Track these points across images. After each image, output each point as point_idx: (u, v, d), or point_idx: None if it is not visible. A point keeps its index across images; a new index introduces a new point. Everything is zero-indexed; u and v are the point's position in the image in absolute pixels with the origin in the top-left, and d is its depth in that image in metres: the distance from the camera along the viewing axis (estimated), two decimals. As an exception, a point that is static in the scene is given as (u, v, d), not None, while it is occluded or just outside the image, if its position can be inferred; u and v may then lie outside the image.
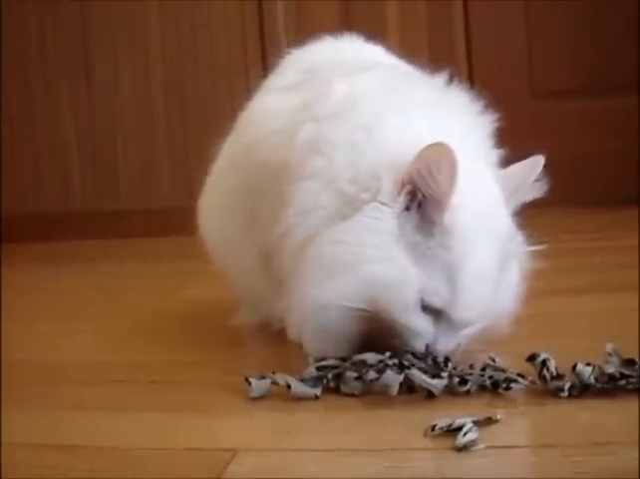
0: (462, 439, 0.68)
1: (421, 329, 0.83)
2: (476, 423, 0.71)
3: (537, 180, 0.90)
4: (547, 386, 0.78)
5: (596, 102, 2.22)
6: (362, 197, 0.84)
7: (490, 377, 0.80)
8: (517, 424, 0.75)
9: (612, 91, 2.20)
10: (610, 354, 0.80)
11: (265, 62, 2.35)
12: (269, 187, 0.92)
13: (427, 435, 0.71)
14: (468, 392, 0.80)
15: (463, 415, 0.72)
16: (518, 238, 0.90)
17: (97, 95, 2.54)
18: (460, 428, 0.70)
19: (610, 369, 0.77)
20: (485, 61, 2.31)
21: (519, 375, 0.80)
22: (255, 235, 0.97)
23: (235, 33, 2.41)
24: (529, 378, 0.79)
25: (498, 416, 0.73)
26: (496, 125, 0.96)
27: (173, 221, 1.81)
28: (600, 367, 0.78)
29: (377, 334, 0.85)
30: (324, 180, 0.86)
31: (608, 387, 0.77)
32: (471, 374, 0.81)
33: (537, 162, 0.90)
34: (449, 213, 0.81)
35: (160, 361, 1.05)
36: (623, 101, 2.16)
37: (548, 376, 0.79)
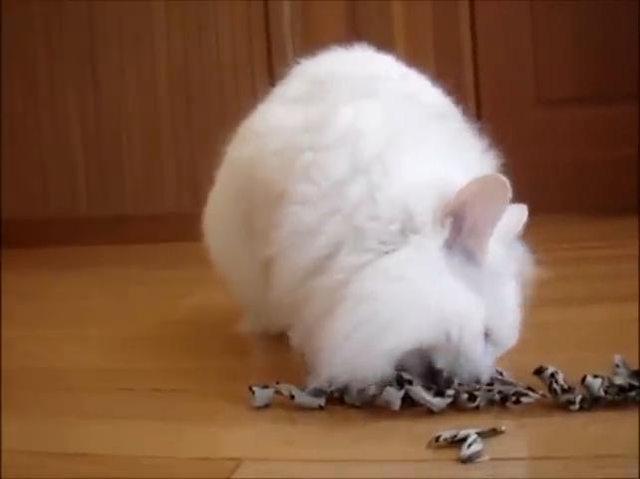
0: (466, 451, 0.68)
1: (484, 361, 0.82)
2: (480, 435, 0.70)
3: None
4: (558, 400, 0.78)
5: (602, 110, 2.22)
6: (390, 229, 0.81)
7: (500, 392, 0.80)
8: (522, 436, 0.75)
9: (617, 99, 2.20)
10: (618, 366, 0.79)
11: (271, 64, 2.35)
12: (266, 204, 0.91)
13: (431, 446, 0.71)
14: (476, 408, 0.79)
15: (467, 427, 0.72)
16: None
17: (102, 99, 2.54)
18: (464, 439, 0.70)
19: (619, 381, 0.77)
20: (492, 69, 2.31)
21: (529, 389, 0.79)
22: (254, 246, 0.96)
23: (241, 35, 2.41)
24: (540, 392, 0.79)
25: (503, 427, 0.73)
26: (499, 162, 0.94)
27: (178, 226, 1.81)
28: (609, 379, 0.77)
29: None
30: (320, 207, 0.85)
31: (619, 399, 0.76)
32: (478, 389, 0.80)
33: (522, 211, 0.90)
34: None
35: (163, 369, 1.05)
36: (629, 109, 2.16)
37: (559, 389, 0.78)
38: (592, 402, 0.76)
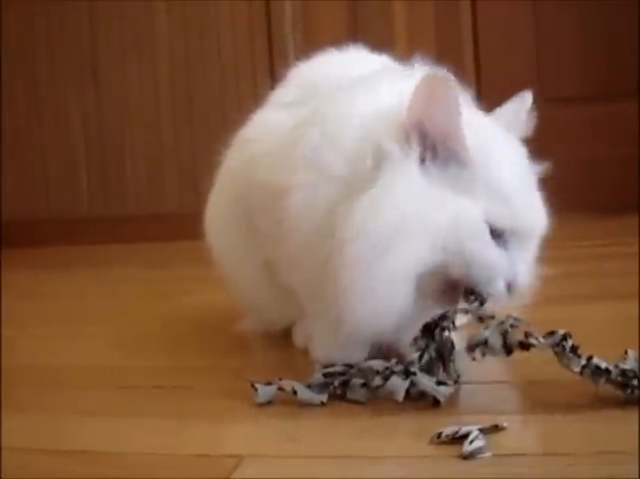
0: (468, 447, 0.68)
1: (498, 263, 0.82)
2: (482, 431, 0.70)
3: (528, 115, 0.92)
4: (563, 358, 0.78)
5: (606, 108, 2.22)
6: (367, 165, 0.82)
7: (511, 328, 0.79)
8: (524, 432, 0.75)
9: (622, 97, 2.20)
10: (628, 356, 0.79)
11: (272, 64, 2.35)
12: (265, 204, 0.91)
13: (433, 442, 0.71)
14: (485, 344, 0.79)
15: (469, 423, 0.72)
16: None
17: (104, 100, 2.54)
18: (466, 436, 0.70)
19: (626, 366, 0.76)
20: (494, 67, 2.31)
21: (536, 338, 0.79)
22: (258, 246, 0.96)
23: (243, 35, 2.42)
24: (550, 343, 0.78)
25: (505, 424, 0.72)
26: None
27: (180, 226, 1.81)
28: (616, 365, 0.77)
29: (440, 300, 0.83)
30: (318, 181, 0.86)
31: (619, 381, 0.76)
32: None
33: (526, 98, 0.92)
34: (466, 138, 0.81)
35: (165, 367, 1.05)
36: (633, 107, 2.16)
37: (568, 347, 0.78)
38: (594, 370, 0.76)
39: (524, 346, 0.79)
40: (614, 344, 0.94)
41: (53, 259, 2.30)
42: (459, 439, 0.70)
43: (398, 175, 0.80)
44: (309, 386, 0.83)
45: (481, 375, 0.86)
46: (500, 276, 0.82)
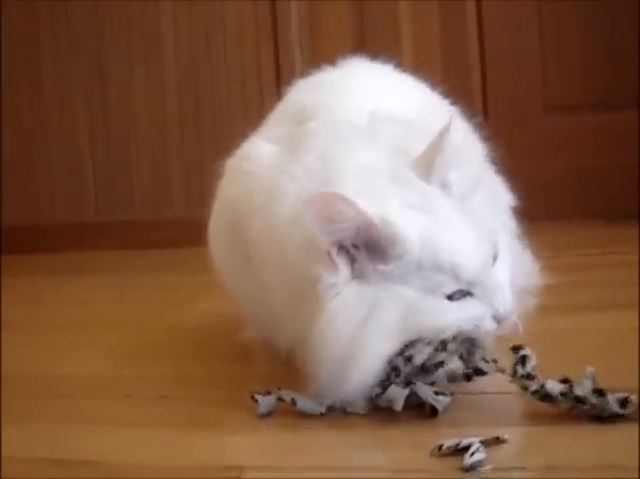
0: (469, 459, 0.68)
1: (474, 314, 0.82)
2: (483, 443, 0.70)
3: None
4: (515, 381, 0.79)
5: (610, 117, 2.21)
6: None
7: (469, 354, 0.81)
8: (525, 445, 0.75)
9: (622, 106, 2.19)
10: (587, 377, 0.78)
11: (279, 71, 2.35)
12: (262, 241, 0.92)
13: (434, 454, 0.71)
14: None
15: (470, 435, 0.72)
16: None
17: (111, 106, 2.55)
18: (467, 448, 0.70)
19: (578, 392, 0.76)
20: (499, 75, 2.31)
21: (494, 361, 0.81)
22: (255, 275, 0.96)
23: (249, 42, 2.42)
24: (501, 369, 0.81)
25: (506, 436, 0.72)
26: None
27: (186, 232, 1.81)
28: (571, 387, 0.77)
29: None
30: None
31: (566, 407, 0.76)
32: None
33: (445, 130, 0.84)
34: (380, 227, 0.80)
35: (168, 376, 1.05)
36: (634, 116, 2.15)
37: (519, 372, 0.79)
38: (543, 397, 0.77)
39: (479, 372, 0.80)
40: (614, 354, 0.94)
41: (58, 266, 2.31)
42: (459, 451, 0.70)
43: (335, 294, 0.81)
44: (309, 397, 0.83)
45: (483, 386, 0.86)
46: (483, 318, 0.82)
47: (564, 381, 0.79)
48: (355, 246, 0.81)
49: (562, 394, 0.76)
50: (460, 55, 2.31)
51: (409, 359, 0.81)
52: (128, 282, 1.91)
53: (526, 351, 0.81)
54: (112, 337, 1.30)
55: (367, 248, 0.81)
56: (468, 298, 0.82)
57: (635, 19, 2.15)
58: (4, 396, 0.98)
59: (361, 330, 0.80)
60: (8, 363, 1.15)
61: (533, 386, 0.77)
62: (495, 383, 0.84)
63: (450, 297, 0.81)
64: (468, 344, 0.82)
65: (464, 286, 0.81)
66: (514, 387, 0.80)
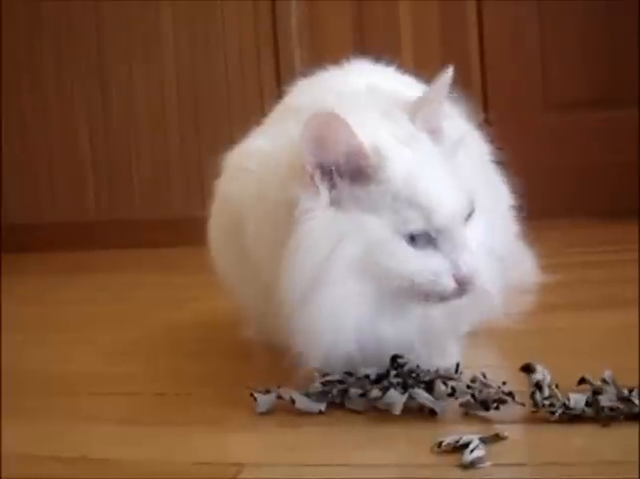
0: (468, 456, 0.68)
1: (425, 267, 0.82)
2: (482, 440, 0.70)
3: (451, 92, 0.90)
4: (538, 410, 0.77)
5: (610, 115, 2.21)
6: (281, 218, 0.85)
7: (481, 392, 0.79)
8: (524, 442, 0.74)
9: (623, 103, 2.19)
10: (607, 382, 0.77)
11: (278, 73, 2.35)
12: (261, 237, 0.93)
13: (433, 452, 0.71)
14: (454, 397, 0.80)
15: (469, 432, 0.72)
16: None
17: (111, 105, 2.55)
18: (466, 445, 0.69)
19: (605, 402, 0.75)
20: (499, 72, 2.31)
21: (510, 394, 0.78)
22: (255, 273, 0.96)
23: (249, 45, 2.42)
24: (520, 401, 0.78)
25: (506, 433, 0.72)
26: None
27: (186, 231, 1.81)
28: (595, 397, 0.75)
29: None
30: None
31: (599, 417, 0.75)
32: (456, 382, 0.81)
33: (445, 76, 0.88)
34: (369, 152, 0.82)
35: (167, 373, 1.05)
36: (634, 113, 2.15)
37: (539, 400, 0.77)
38: (572, 417, 0.75)
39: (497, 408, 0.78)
40: (612, 352, 0.94)
41: (59, 265, 2.31)
42: (459, 448, 0.70)
43: (308, 219, 0.83)
44: (308, 395, 0.83)
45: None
46: (443, 275, 0.82)
47: (582, 381, 0.79)
48: (338, 172, 0.83)
49: (588, 404, 0.75)
50: (460, 54, 2.30)
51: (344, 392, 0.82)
52: (127, 281, 1.92)
53: (538, 372, 0.79)
54: (111, 335, 1.30)
55: (350, 174, 0.83)
56: (431, 250, 0.82)
57: (635, 17, 2.15)
58: (4, 394, 0.98)
59: (327, 258, 0.81)
60: (8, 361, 1.15)
61: (558, 411, 0.75)
62: (496, 381, 0.84)
63: (413, 239, 0.82)
64: (408, 377, 0.82)
65: (431, 231, 0.82)
66: (512, 385, 0.80)
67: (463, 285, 0.82)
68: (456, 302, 0.85)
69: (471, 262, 0.82)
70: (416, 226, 0.82)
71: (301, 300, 0.82)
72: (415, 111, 0.87)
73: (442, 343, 0.91)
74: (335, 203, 0.83)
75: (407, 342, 0.86)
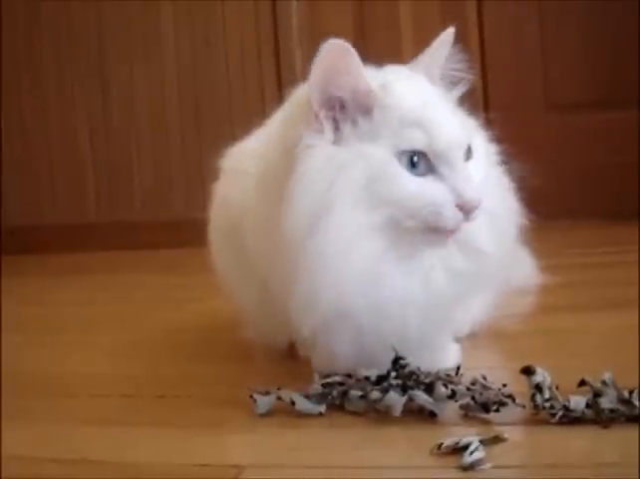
0: (468, 458, 0.68)
1: (427, 191, 0.82)
2: (482, 442, 0.70)
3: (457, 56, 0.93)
4: (538, 412, 0.77)
5: (611, 116, 2.21)
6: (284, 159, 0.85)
7: (481, 395, 0.79)
8: (524, 444, 0.74)
9: (623, 105, 2.19)
10: (607, 384, 0.77)
11: (279, 74, 2.35)
12: (257, 233, 0.93)
13: (433, 453, 0.71)
14: (454, 399, 0.80)
15: (469, 434, 0.71)
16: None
17: (112, 106, 2.55)
18: (466, 447, 0.69)
19: (605, 404, 0.75)
20: (500, 74, 2.31)
21: (510, 396, 0.78)
22: (255, 271, 0.96)
23: (250, 45, 2.42)
24: (521, 403, 0.78)
25: (506, 435, 0.72)
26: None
27: (187, 232, 1.81)
28: (595, 399, 0.75)
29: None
30: None
31: (599, 419, 0.75)
32: (454, 383, 0.80)
33: (447, 35, 0.93)
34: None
35: (169, 375, 1.05)
36: (635, 115, 2.15)
37: (540, 402, 0.77)
38: (572, 420, 0.75)
39: (497, 410, 0.78)
40: (613, 354, 0.94)
41: (59, 266, 2.31)
42: (459, 450, 0.70)
43: (309, 156, 0.83)
44: (308, 396, 0.83)
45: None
46: (445, 203, 0.82)
47: (582, 383, 0.78)
48: (343, 108, 0.84)
49: (588, 406, 0.75)
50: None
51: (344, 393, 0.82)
52: (127, 282, 1.92)
53: (538, 374, 0.79)
54: (111, 337, 1.30)
55: (355, 107, 0.84)
56: (432, 177, 0.83)
57: (636, 17, 2.15)
58: (4, 395, 0.98)
59: (329, 190, 0.81)
60: (7, 362, 1.15)
61: (559, 413, 0.75)
62: (496, 382, 0.84)
63: (414, 166, 0.82)
64: (408, 379, 0.81)
65: (431, 155, 0.83)
66: (513, 387, 0.80)
67: (465, 212, 0.82)
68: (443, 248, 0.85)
69: (472, 189, 0.83)
70: (416, 144, 0.83)
71: (305, 236, 0.81)
72: (417, 66, 0.91)
73: (442, 318, 0.90)
74: (338, 140, 0.84)
75: (409, 304, 0.85)
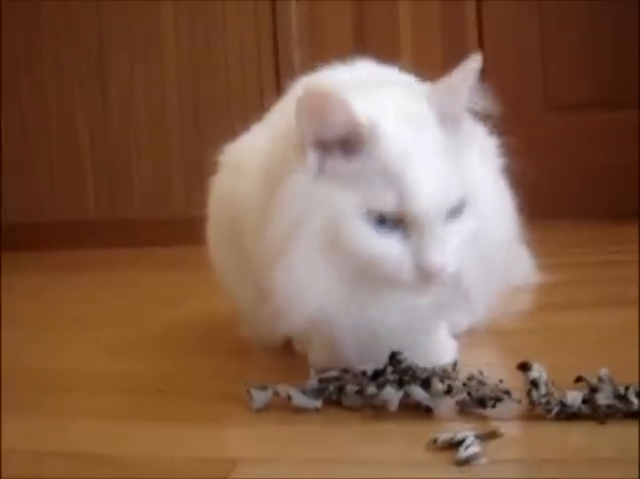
0: (463, 453, 0.68)
1: (394, 254, 0.80)
2: (478, 437, 0.70)
3: (478, 87, 0.86)
4: (534, 407, 0.77)
5: (611, 116, 2.21)
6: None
7: (477, 390, 0.79)
8: (520, 439, 0.74)
9: (623, 105, 2.19)
10: (603, 380, 0.77)
11: (279, 73, 2.35)
12: (254, 229, 0.93)
13: (428, 448, 0.71)
14: (450, 394, 0.80)
15: (465, 429, 0.72)
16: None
17: (112, 105, 2.55)
18: (462, 442, 0.69)
19: (602, 401, 0.75)
20: (499, 74, 2.31)
21: (506, 392, 0.78)
22: (250, 264, 0.96)
23: (249, 44, 2.42)
24: (517, 399, 0.78)
25: (502, 430, 0.72)
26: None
27: (186, 230, 1.81)
28: (592, 395, 0.75)
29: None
30: None
31: (595, 415, 0.75)
32: (453, 380, 0.81)
33: (473, 64, 0.85)
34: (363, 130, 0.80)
35: (167, 371, 1.06)
36: (634, 115, 2.15)
37: (536, 398, 0.77)
38: (569, 415, 0.75)
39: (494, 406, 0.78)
40: (612, 351, 0.94)
41: (58, 263, 2.31)
42: (454, 445, 0.70)
43: (290, 181, 0.83)
44: (304, 392, 0.83)
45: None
46: (402, 265, 0.79)
47: (578, 380, 0.79)
48: (329, 145, 0.82)
49: (584, 401, 0.75)
50: (460, 55, 2.30)
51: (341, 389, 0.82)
52: (126, 279, 1.92)
53: (535, 370, 0.79)
54: (110, 333, 1.30)
55: (341, 147, 0.81)
56: (399, 235, 0.80)
57: (636, 18, 2.15)
58: (4, 390, 0.98)
59: (296, 224, 0.81)
60: (8, 358, 1.15)
61: (555, 409, 0.75)
62: (492, 378, 0.84)
63: (383, 221, 0.79)
64: (404, 374, 0.81)
65: (404, 216, 0.79)
66: (509, 382, 0.80)
67: (424, 277, 0.79)
68: (424, 297, 0.83)
69: (438, 255, 0.79)
70: (387, 207, 0.79)
71: (274, 256, 0.82)
72: (434, 92, 0.85)
73: (426, 330, 0.90)
74: (321, 172, 0.82)
75: (384, 327, 0.84)
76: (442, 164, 0.81)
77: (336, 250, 0.81)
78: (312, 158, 0.82)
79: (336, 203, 0.81)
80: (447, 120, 0.83)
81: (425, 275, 0.79)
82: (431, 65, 2.26)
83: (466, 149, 0.85)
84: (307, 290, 0.82)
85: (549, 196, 2.04)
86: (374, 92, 0.85)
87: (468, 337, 1.02)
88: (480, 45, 2.31)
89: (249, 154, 0.99)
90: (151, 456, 0.76)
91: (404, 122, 0.82)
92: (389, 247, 0.80)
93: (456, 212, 0.82)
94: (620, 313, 1.14)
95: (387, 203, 0.79)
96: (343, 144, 0.81)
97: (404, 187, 0.79)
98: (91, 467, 0.75)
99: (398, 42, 2.33)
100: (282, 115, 0.95)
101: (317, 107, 0.80)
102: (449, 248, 0.80)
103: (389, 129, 0.81)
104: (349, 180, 0.81)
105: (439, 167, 0.81)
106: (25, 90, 2.61)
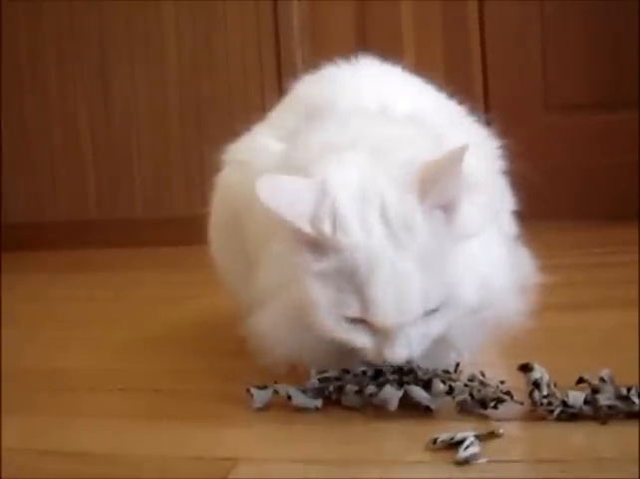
0: (463, 453, 0.68)
1: (359, 343, 0.80)
2: (477, 437, 0.70)
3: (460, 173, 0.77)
4: (536, 408, 0.77)
5: (610, 116, 2.21)
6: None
7: (479, 391, 0.79)
8: (521, 439, 0.74)
9: (623, 106, 2.19)
10: (604, 381, 0.77)
11: (280, 73, 2.36)
12: (257, 232, 0.93)
13: (428, 448, 0.71)
14: (451, 395, 0.80)
15: (465, 429, 0.71)
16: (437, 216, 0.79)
17: (113, 104, 2.55)
18: (461, 442, 0.69)
19: (603, 401, 0.75)
20: (501, 74, 2.31)
21: (508, 393, 0.78)
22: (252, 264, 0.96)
23: (251, 44, 2.42)
24: (519, 401, 0.77)
25: (501, 430, 0.72)
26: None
27: (188, 230, 1.81)
28: (594, 395, 0.75)
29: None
30: None
31: (597, 416, 0.75)
32: (454, 381, 0.80)
33: (457, 154, 0.76)
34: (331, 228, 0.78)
35: (167, 370, 1.06)
36: (634, 116, 2.15)
37: (538, 398, 0.77)
38: (571, 416, 0.75)
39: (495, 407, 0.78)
40: (612, 352, 0.94)
41: (59, 263, 2.32)
42: (454, 445, 0.70)
43: (281, 236, 0.83)
44: (304, 391, 0.83)
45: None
46: (369, 351, 0.80)
47: (580, 381, 0.79)
48: (300, 240, 0.80)
49: (586, 402, 0.75)
50: (461, 55, 2.31)
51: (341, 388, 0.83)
52: (128, 279, 1.92)
53: (536, 371, 0.79)
54: (110, 333, 1.30)
55: (312, 245, 0.79)
56: (364, 326, 0.79)
57: (636, 18, 2.15)
58: (4, 390, 0.98)
59: (278, 286, 0.84)
60: (8, 357, 1.15)
61: (557, 409, 0.75)
62: (492, 379, 0.84)
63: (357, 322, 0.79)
64: (405, 375, 0.81)
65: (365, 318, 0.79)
66: (509, 383, 0.80)
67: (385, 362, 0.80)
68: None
69: (403, 350, 0.79)
70: (352, 313, 0.78)
71: (260, 300, 0.87)
72: (425, 186, 0.78)
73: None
74: (317, 270, 0.80)
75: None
76: (416, 272, 0.76)
77: (303, 323, 0.82)
78: (306, 249, 0.80)
79: (308, 290, 0.79)
80: (437, 211, 0.78)
81: (384, 361, 0.80)
82: (433, 64, 2.26)
83: (458, 240, 0.80)
84: (282, 342, 0.85)
85: (549, 196, 2.04)
86: (357, 180, 0.80)
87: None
88: (482, 45, 2.31)
89: (254, 152, 0.98)
90: (151, 455, 0.76)
91: (379, 223, 0.77)
92: (356, 337, 0.80)
93: (433, 310, 0.79)
94: (621, 314, 1.14)
95: (351, 309, 0.78)
96: (311, 243, 0.79)
97: (367, 300, 0.77)
98: (91, 466, 0.75)
99: (400, 41, 2.33)
100: (284, 125, 0.96)
101: (271, 196, 0.79)
102: (417, 341, 0.80)
103: (355, 237, 0.77)
104: (320, 274, 0.79)
105: (410, 277, 0.76)
106: (26, 89, 2.62)
